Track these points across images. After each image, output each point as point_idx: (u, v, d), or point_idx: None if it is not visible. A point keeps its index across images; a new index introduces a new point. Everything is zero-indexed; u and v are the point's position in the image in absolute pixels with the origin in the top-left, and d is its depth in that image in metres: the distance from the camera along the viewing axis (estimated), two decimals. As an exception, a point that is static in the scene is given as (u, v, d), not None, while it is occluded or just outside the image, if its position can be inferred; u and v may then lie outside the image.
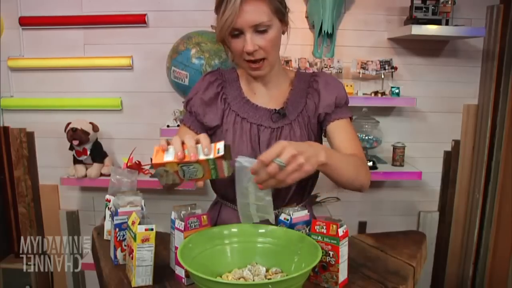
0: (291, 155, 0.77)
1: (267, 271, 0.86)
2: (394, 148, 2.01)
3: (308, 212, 0.98)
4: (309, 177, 1.11)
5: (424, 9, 1.81)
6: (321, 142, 1.14)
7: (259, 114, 1.09)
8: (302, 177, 0.80)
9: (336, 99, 1.09)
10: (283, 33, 1.08)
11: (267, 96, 1.12)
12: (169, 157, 0.80)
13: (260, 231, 0.93)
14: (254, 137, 1.07)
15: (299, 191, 1.13)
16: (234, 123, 1.08)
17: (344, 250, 0.86)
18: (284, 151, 0.78)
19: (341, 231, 0.85)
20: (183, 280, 0.89)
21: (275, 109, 1.09)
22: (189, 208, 0.92)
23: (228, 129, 1.08)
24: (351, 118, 1.13)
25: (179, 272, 0.90)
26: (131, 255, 0.87)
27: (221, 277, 0.85)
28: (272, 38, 1.00)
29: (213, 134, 1.11)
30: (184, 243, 0.83)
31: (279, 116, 1.09)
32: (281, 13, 1.02)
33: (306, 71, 1.93)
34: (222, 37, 1.03)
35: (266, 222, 0.93)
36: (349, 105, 1.16)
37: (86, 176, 1.97)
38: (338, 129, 1.09)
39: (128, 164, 2.02)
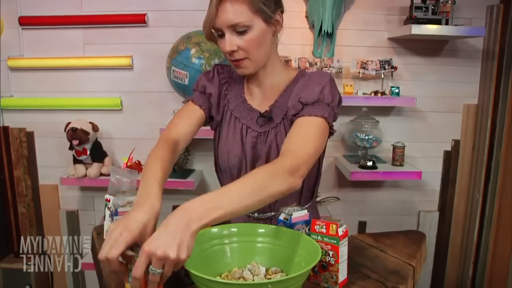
0: (158, 259, 0.66)
1: (267, 271, 0.86)
2: (394, 148, 2.01)
3: (308, 212, 0.98)
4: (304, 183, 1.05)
5: (424, 8, 1.80)
6: None
7: (250, 115, 1.09)
8: (184, 262, 0.70)
9: (300, 98, 0.99)
10: (274, 33, 1.03)
11: (261, 97, 1.11)
12: None
13: (260, 230, 0.93)
14: (242, 137, 1.09)
15: (294, 195, 1.11)
16: (229, 121, 1.11)
17: (343, 249, 0.86)
18: (152, 258, 0.67)
19: (340, 231, 0.85)
20: (183, 280, 0.88)
21: (260, 112, 1.08)
22: (189, 208, 0.92)
23: (224, 126, 1.11)
24: (326, 119, 0.97)
25: (179, 272, 0.90)
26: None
27: (220, 276, 0.84)
28: (252, 39, 0.97)
29: (215, 129, 1.15)
30: (183, 243, 0.83)
31: (265, 120, 1.07)
32: (264, 14, 0.97)
33: (306, 71, 1.93)
34: (207, 36, 1.02)
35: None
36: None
37: (86, 176, 1.97)
38: (293, 127, 0.97)
39: (128, 164, 2.02)
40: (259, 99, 1.11)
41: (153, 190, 0.84)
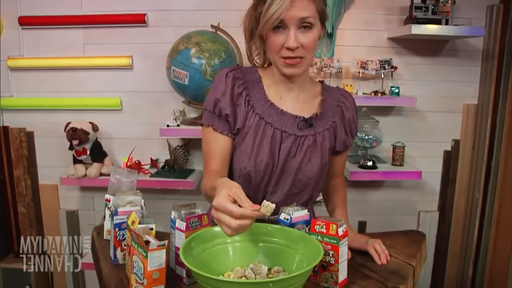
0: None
1: (269, 270, 0.86)
2: (394, 147, 2.01)
3: (308, 211, 0.98)
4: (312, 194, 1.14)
5: (424, 8, 1.80)
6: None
7: (283, 119, 1.07)
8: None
9: (352, 137, 1.18)
10: (319, 37, 1.04)
11: (293, 102, 1.10)
12: None
13: (262, 230, 0.93)
14: (275, 143, 1.05)
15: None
16: (256, 126, 1.05)
17: (344, 249, 0.87)
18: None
19: (340, 231, 0.85)
20: (184, 280, 0.89)
21: (304, 117, 1.08)
22: (189, 208, 0.92)
23: (249, 132, 1.05)
24: None
25: (180, 272, 0.90)
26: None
27: (223, 275, 0.85)
28: (314, 38, 0.99)
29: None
30: (186, 242, 0.83)
31: (305, 125, 1.07)
32: (324, 15, 1.01)
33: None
34: (265, 31, 0.98)
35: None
36: None
37: (85, 175, 1.97)
38: (342, 157, 1.23)
39: (128, 164, 2.02)
40: (290, 103, 1.09)
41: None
